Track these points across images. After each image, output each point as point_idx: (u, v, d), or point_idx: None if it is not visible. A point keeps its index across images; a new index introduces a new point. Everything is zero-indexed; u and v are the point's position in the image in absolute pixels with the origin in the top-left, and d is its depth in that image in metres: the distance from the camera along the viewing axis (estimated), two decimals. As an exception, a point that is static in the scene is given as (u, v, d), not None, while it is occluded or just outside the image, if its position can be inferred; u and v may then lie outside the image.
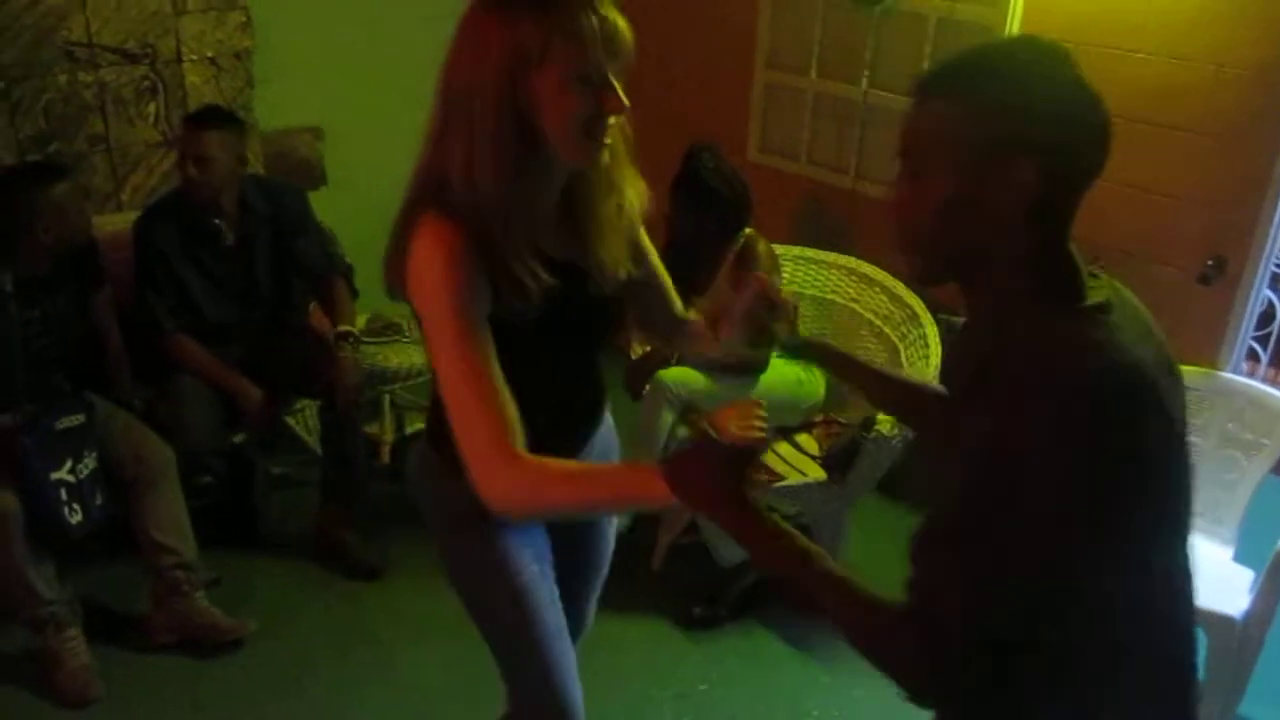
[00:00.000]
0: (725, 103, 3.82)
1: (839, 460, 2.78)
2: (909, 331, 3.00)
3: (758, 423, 1.33)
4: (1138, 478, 1.00)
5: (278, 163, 3.56)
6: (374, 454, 3.42)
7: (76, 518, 2.51)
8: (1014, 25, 2.93)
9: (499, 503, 1.31)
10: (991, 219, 1.06)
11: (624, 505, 1.61)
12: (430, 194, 1.35)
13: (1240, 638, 2.30)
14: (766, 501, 1.28)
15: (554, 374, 1.32)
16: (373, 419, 3.43)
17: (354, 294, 3.17)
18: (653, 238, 1.68)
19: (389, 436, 3.51)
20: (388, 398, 3.48)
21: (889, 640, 1.05)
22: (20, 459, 2.45)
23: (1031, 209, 1.05)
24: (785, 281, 3.14)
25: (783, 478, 2.83)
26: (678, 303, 1.74)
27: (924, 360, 2.85)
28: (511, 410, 1.31)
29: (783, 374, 2.94)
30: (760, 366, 2.89)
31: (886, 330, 3.10)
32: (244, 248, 2.96)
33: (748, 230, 2.91)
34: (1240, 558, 2.56)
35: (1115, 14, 2.71)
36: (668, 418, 2.88)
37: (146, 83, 3.24)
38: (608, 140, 1.38)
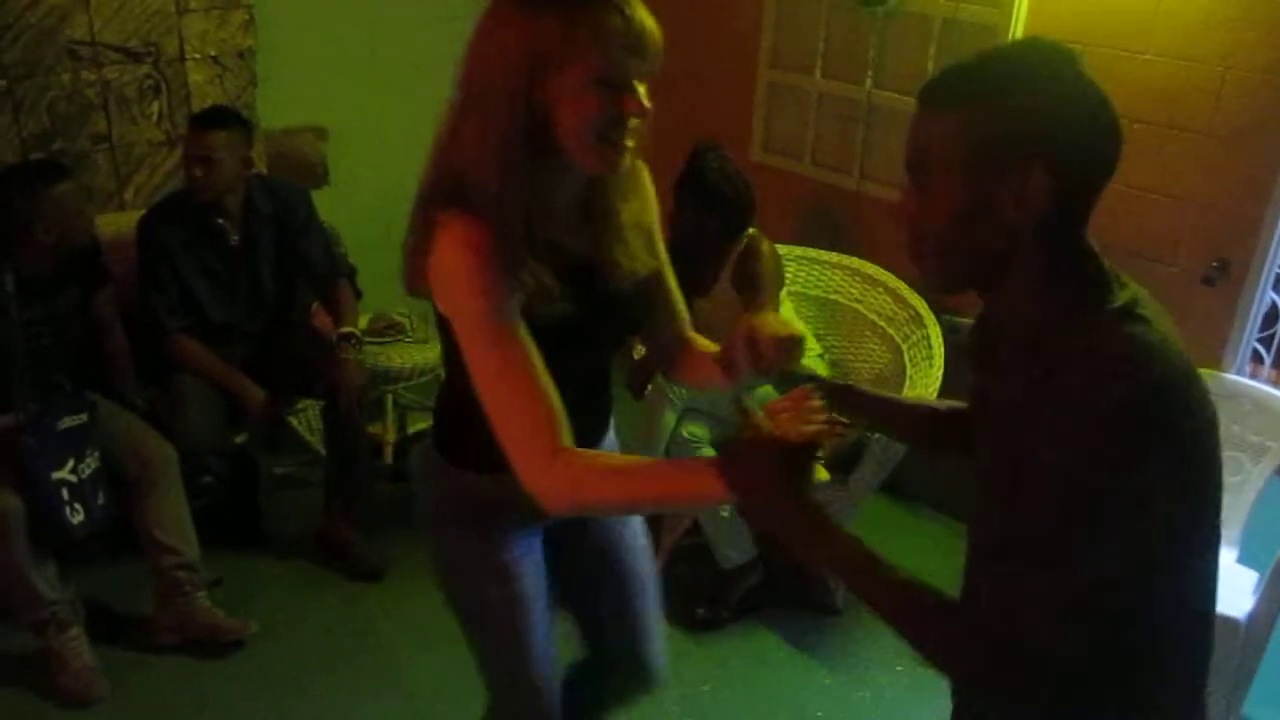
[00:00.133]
0: (728, 102, 3.81)
1: (843, 461, 2.78)
2: (912, 333, 3.00)
3: (816, 415, 1.26)
4: (1199, 477, 1.00)
5: (280, 162, 3.55)
6: (377, 454, 3.42)
7: (78, 518, 2.51)
8: (1018, 26, 2.91)
9: (546, 498, 1.28)
10: (1006, 226, 1.04)
11: (675, 503, 1.57)
12: (449, 190, 1.31)
13: (1244, 639, 2.30)
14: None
15: (567, 384, 1.30)
16: (375, 419, 3.42)
17: (358, 295, 3.18)
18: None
19: (391, 436, 3.51)
20: (390, 398, 3.47)
21: (958, 652, 1.06)
22: (22, 459, 2.45)
23: (1046, 214, 1.03)
24: (788, 281, 3.13)
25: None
26: (685, 318, 1.65)
27: (927, 361, 2.84)
28: (557, 403, 1.28)
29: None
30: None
31: (890, 331, 3.09)
32: (248, 248, 2.96)
33: (751, 230, 2.91)
34: (1244, 560, 2.56)
35: (1121, 15, 2.70)
36: (670, 419, 2.87)
37: (149, 82, 3.23)
38: (629, 143, 1.31)
